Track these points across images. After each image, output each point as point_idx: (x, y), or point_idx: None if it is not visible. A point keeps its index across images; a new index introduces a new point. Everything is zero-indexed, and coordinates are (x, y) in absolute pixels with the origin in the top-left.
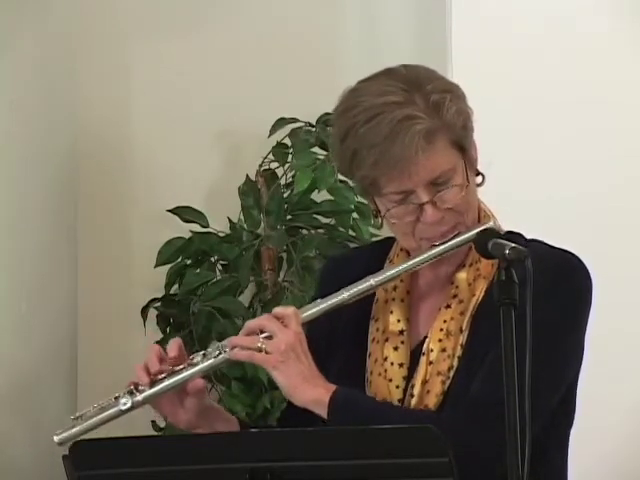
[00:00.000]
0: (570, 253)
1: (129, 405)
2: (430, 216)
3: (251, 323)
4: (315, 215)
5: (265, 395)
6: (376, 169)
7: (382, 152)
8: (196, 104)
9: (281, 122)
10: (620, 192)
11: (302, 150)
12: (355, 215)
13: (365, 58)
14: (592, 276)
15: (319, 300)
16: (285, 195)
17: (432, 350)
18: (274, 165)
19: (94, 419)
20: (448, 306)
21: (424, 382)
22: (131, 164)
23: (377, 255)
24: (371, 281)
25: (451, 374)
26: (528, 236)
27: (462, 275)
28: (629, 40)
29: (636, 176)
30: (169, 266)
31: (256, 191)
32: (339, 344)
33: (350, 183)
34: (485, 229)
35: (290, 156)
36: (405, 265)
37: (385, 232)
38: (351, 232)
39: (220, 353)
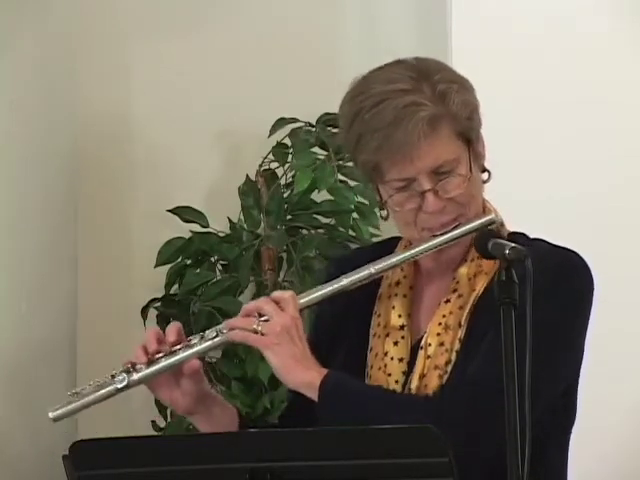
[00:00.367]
0: (572, 252)
1: (125, 383)
2: (431, 204)
3: (249, 305)
4: (315, 215)
5: (265, 395)
6: (379, 153)
7: (385, 137)
8: (196, 104)
9: (281, 122)
10: (620, 192)
11: (302, 150)
12: (355, 215)
13: (365, 58)
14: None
15: (319, 286)
16: (285, 195)
17: (430, 344)
18: (274, 165)
19: (90, 397)
20: (448, 301)
21: (422, 376)
22: (131, 164)
23: (379, 255)
24: (371, 269)
25: (449, 368)
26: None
27: (463, 270)
28: (629, 40)
29: (636, 176)
30: (169, 266)
31: (256, 191)
32: (342, 339)
33: (350, 183)
34: (487, 223)
35: (290, 156)
36: (405, 254)
37: (385, 232)
38: (351, 232)
39: (217, 335)
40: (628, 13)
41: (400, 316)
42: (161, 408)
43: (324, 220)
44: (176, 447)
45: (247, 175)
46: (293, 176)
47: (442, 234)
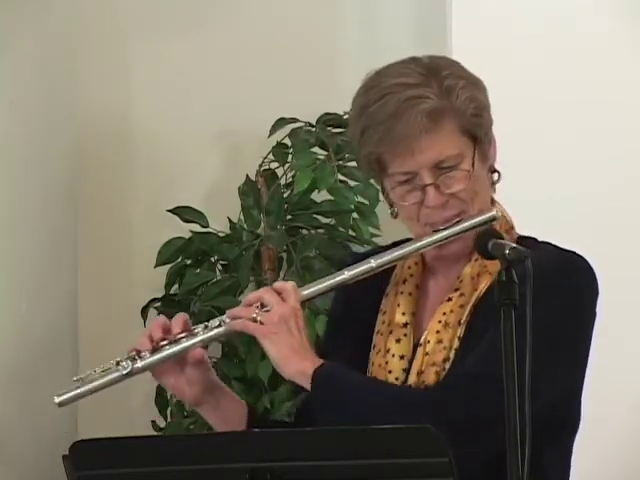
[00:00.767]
0: (578, 255)
1: (129, 370)
2: (432, 199)
3: (251, 296)
4: (315, 215)
5: (265, 395)
6: (380, 146)
7: (387, 129)
8: (196, 104)
9: (281, 122)
10: (620, 192)
11: (302, 150)
12: (355, 215)
13: (365, 58)
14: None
15: (321, 279)
16: (285, 195)
17: (429, 341)
18: (274, 165)
19: (95, 382)
20: (449, 299)
21: (419, 373)
22: (131, 164)
23: None
24: (372, 262)
25: (446, 365)
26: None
27: (467, 269)
28: (629, 40)
29: (636, 176)
30: (169, 266)
31: (256, 191)
32: (348, 336)
33: (350, 183)
34: (488, 219)
35: (290, 156)
36: (405, 249)
37: (385, 232)
38: (351, 232)
39: (220, 325)
40: (628, 13)
41: (404, 314)
42: (161, 408)
43: (324, 220)
44: (176, 447)
45: (247, 175)
46: (293, 176)
47: (443, 229)
